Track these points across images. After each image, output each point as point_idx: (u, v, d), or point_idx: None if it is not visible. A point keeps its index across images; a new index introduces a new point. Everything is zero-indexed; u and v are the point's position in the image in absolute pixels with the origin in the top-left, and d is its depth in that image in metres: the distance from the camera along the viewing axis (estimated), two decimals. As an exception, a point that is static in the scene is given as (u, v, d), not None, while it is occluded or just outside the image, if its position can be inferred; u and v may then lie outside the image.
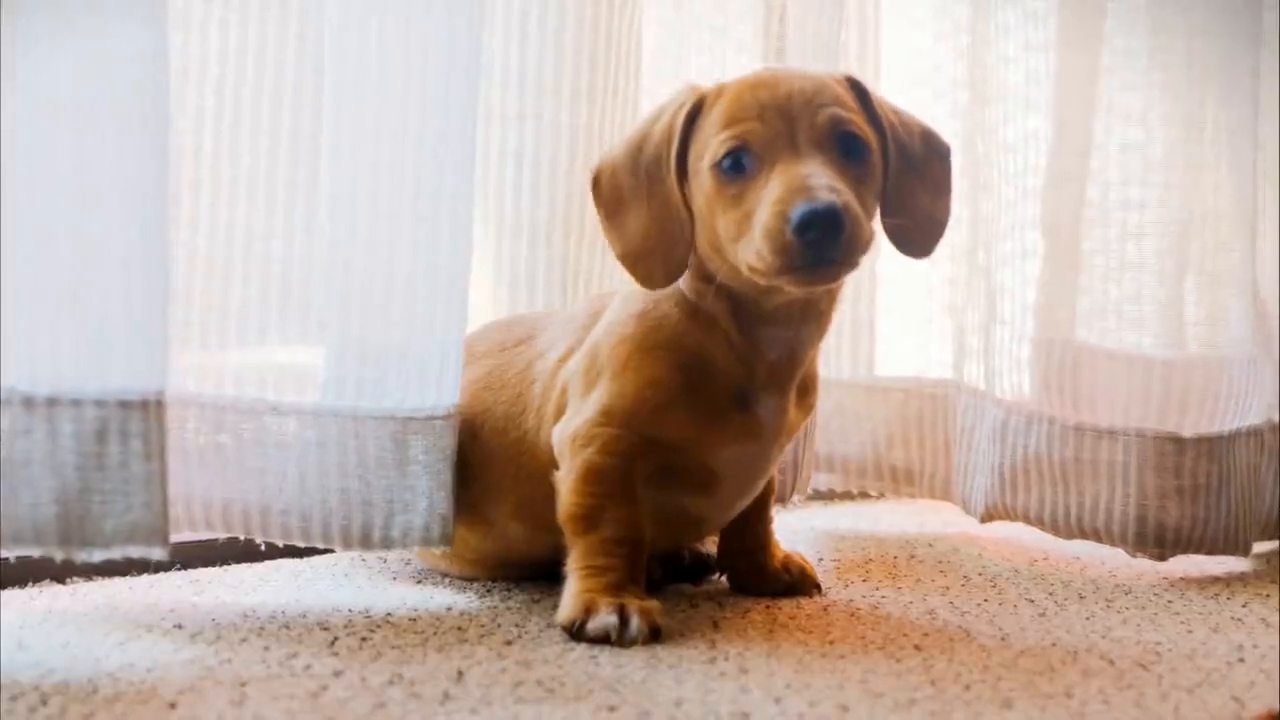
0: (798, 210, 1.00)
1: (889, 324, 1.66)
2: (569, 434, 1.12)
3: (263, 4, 1.18)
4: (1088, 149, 1.46)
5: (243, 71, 1.17)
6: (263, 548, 1.24)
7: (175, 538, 1.26)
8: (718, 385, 1.12)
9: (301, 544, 1.17)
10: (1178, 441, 1.40)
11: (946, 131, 1.55)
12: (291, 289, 1.18)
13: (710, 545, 1.31)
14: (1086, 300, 1.48)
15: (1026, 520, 1.46)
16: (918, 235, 1.14)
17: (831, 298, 1.14)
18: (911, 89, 1.62)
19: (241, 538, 1.18)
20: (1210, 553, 1.41)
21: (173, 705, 0.88)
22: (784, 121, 1.05)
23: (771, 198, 1.02)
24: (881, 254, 1.63)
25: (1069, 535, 1.44)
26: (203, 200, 1.17)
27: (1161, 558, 1.41)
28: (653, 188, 1.11)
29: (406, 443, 1.16)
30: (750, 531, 1.25)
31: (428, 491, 1.16)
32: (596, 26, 1.39)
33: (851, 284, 1.59)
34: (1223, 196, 1.48)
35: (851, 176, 1.06)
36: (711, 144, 1.07)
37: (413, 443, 1.16)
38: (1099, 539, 1.43)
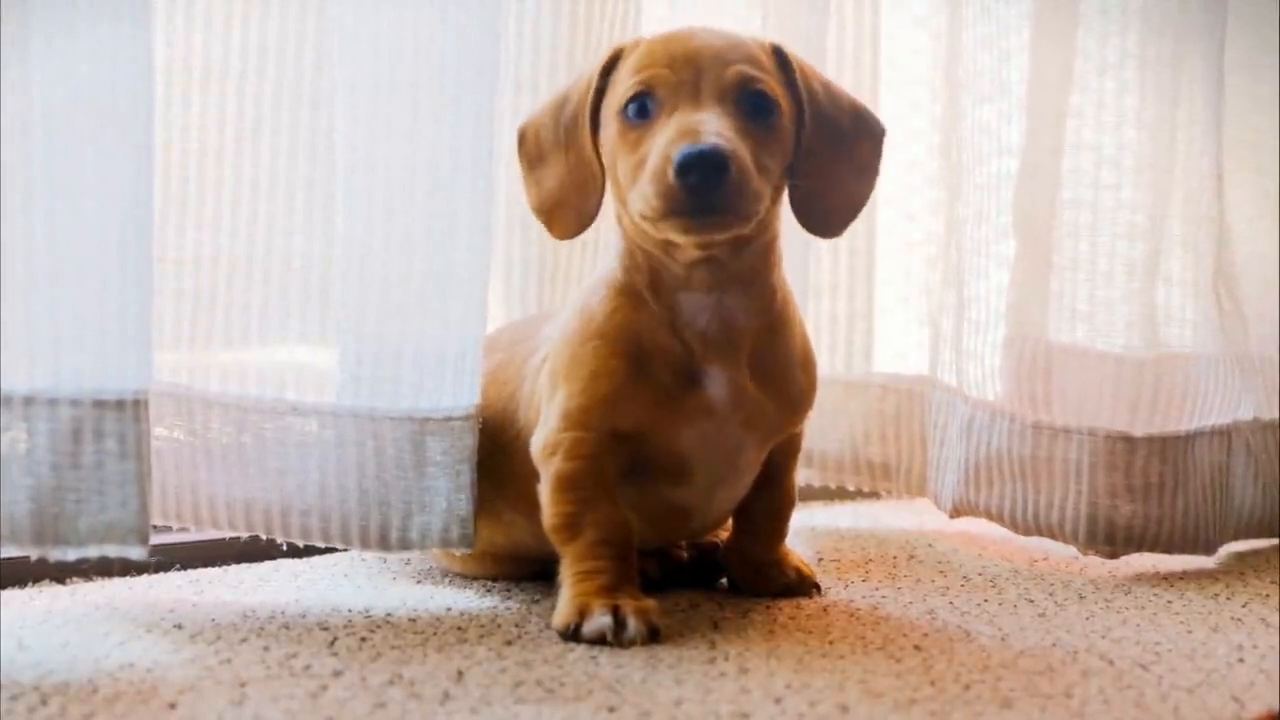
0: (680, 151, 1.00)
1: (878, 321, 1.66)
2: (539, 444, 1.13)
3: (282, 2, 1.18)
4: (1060, 149, 1.46)
5: (263, 71, 1.18)
6: (264, 544, 1.24)
7: (179, 538, 1.28)
8: (659, 364, 1.11)
9: (321, 544, 1.18)
10: (1129, 440, 1.40)
11: (940, 130, 1.58)
12: (311, 287, 1.19)
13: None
14: (1055, 299, 1.48)
15: (989, 517, 1.47)
16: (828, 213, 1.15)
17: (755, 263, 1.12)
18: (907, 87, 1.63)
19: (244, 536, 1.19)
20: (1167, 551, 1.41)
21: (173, 705, 0.88)
22: (691, 71, 1.06)
23: (661, 141, 1.03)
24: (879, 251, 1.64)
25: (1027, 532, 1.44)
26: (224, 200, 1.18)
27: (1113, 555, 1.42)
28: (569, 141, 1.13)
29: (424, 443, 1.16)
30: (762, 534, 1.24)
31: (446, 493, 1.16)
32: (575, 24, 1.39)
33: (844, 277, 1.62)
34: (1188, 195, 1.48)
35: (754, 135, 1.06)
36: (619, 90, 1.09)
37: (430, 444, 1.16)
38: (1054, 536, 1.43)
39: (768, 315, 1.14)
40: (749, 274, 1.13)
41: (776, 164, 1.09)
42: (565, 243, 1.40)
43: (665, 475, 1.14)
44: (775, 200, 1.12)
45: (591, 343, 1.12)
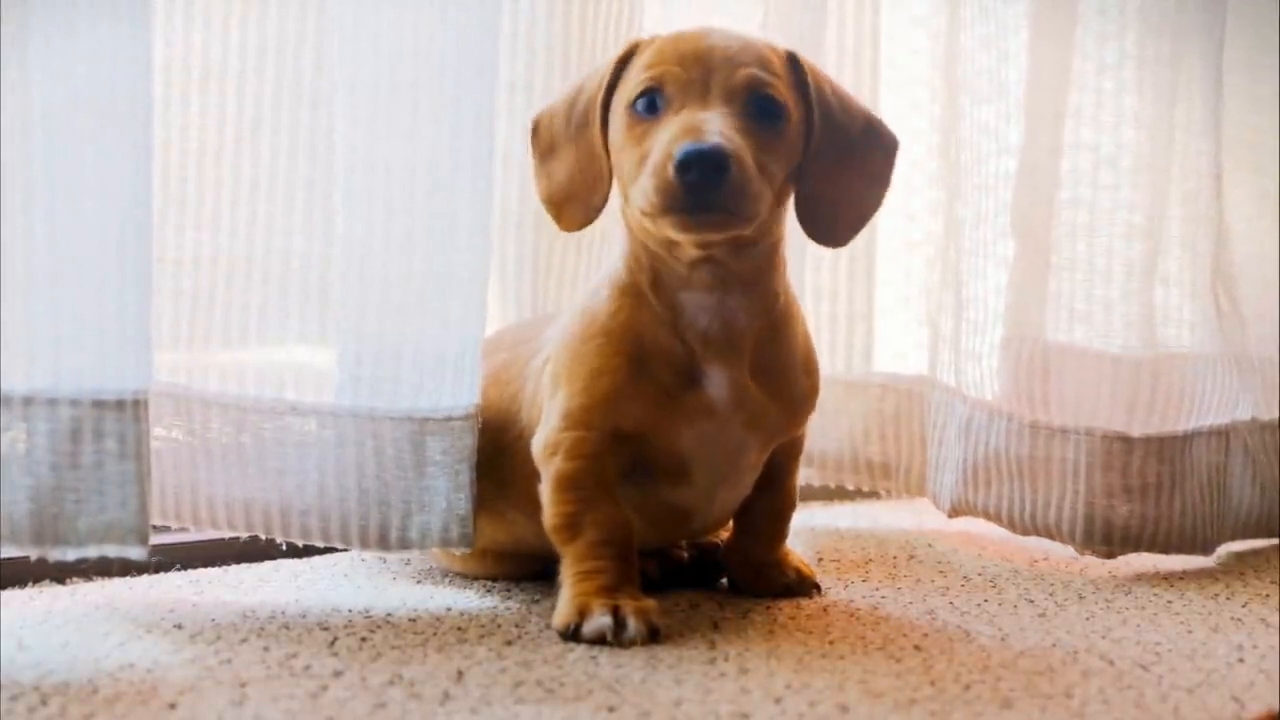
0: (681, 149, 1.01)
1: (878, 321, 1.66)
2: (540, 444, 1.13)
3: (282, 2, 1.18)
4: (1059, 149, 1.46)
5: (263, 71, 1.18)
6: (263, 544, 1.24)
7: (179, 538, 1.28)
8: (660, 364, 1.11)
9: (321, 544, 1.18)
10: (1126, 440, 1.40)
11: (939, 130, 1.58)
12: (310, 287, 1.19)
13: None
14: (1054, 300, 1.48)
15: (987, 516, 1.47)
16: (835, 221, 1.15)
17: (759, 265, 1.13)
18: (906, 87, 1.63)
19: (244, 536, 1.19)
20: (1164, 551, 1.42)
21: (173, 705, 0.88)
22: (701, 70, 1.07)
23: (665, 137, 1.04)
24: (879, 252, 1.64)
25: (1025, 532, 1.44)
26: (224, 200, 1.18)
27: (1110, 555, 1.42)
28: (580, 133, 1.13)
29: (424, 443, 1.16)
30: (763, 534, 1.24)
31: (445, 493, 1.16)
32: (570, 24, 1.39)
33: (845, 278, 1.62)
34: (1186, 195, 1.48)
35: (758, 137, 1.06)
36: (629, 84, 1.09)
37: (430, 443, 1.16)
38: (1051, 536, 1.43)
39: (770, 316, 1.14)
40: (752, 276, 1.13)
41: (780, 168, 1.09)
42: (558, 244, 1.40)
43: (666, 476, 1.14)
44: (779, 204, 1.12)
45: (594, 342, 1.12)
